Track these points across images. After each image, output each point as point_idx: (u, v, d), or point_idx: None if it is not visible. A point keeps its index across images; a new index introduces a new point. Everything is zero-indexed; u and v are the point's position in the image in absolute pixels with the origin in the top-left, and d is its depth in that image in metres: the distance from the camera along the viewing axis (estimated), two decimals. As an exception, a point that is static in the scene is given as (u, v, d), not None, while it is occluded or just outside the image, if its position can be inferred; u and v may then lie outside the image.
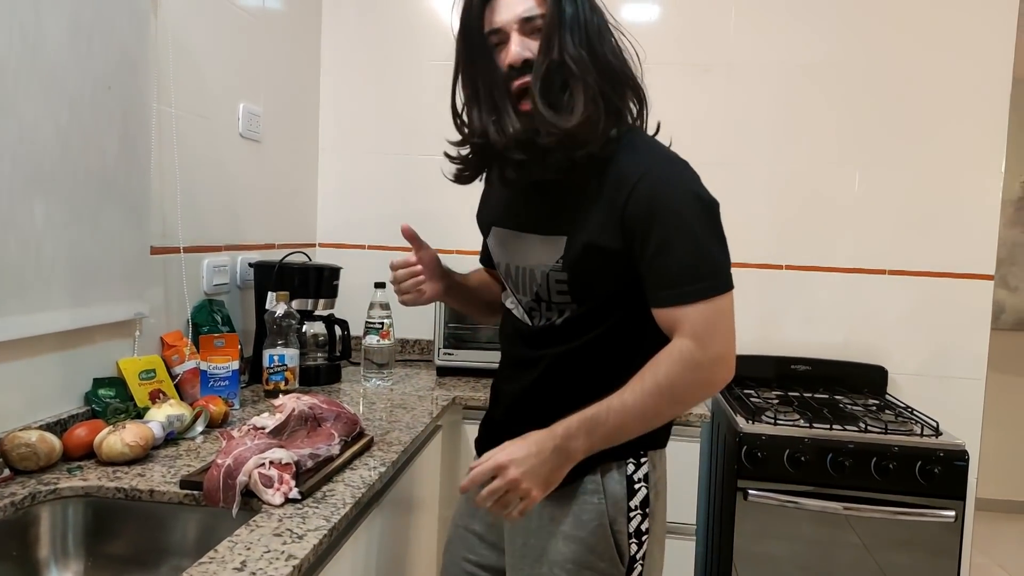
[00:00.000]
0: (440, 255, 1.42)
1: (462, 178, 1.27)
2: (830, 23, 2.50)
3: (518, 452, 1.08)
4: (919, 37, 2.46)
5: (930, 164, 2.48)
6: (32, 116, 1.33)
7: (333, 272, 2.16)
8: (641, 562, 1.22)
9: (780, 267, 2.57)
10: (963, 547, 2.04)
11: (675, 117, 2.52)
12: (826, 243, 2.55)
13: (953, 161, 2.47)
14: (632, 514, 1.21)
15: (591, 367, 1.20)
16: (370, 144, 2.69)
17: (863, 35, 2.48)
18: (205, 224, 1.98)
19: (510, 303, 1.32)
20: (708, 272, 1.11)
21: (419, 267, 1.34)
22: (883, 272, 2.52)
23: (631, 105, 1.20)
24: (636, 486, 1.22)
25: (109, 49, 1.52)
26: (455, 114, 1.23)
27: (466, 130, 1.21)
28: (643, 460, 1.23)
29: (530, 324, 1.26)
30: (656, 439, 1.24)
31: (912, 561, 2.04)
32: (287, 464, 1.24)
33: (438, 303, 2.28)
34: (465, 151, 1.23)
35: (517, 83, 1.13)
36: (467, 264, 1.56)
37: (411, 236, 1.33)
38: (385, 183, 2.69)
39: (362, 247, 2.72)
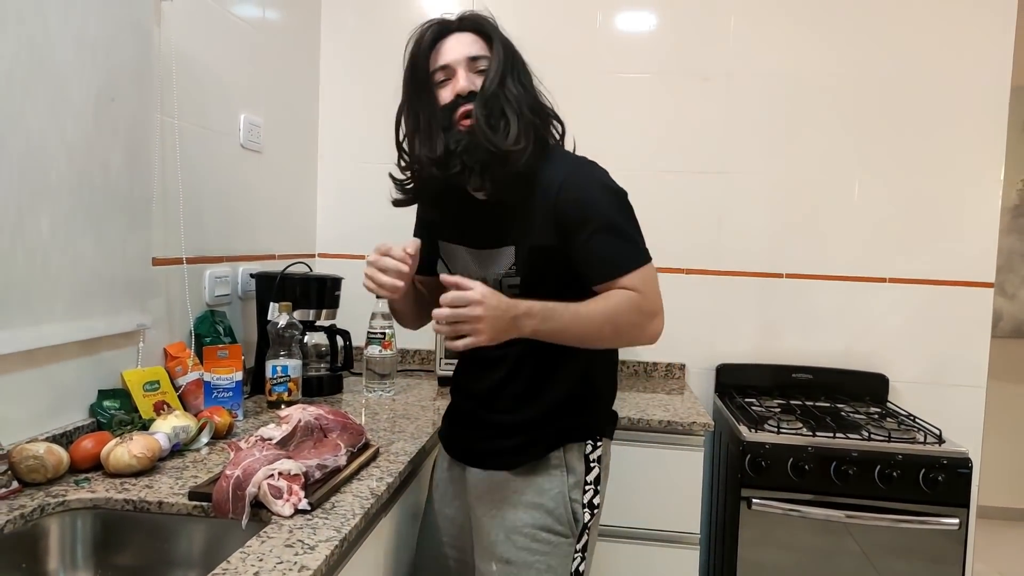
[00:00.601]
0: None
1: (400, 202, 1.49)
2: (829, 32, 2.52)
3: (493, 300, 1.21)
4: (917, 45, 2.48)
5: (929, 172, 2.50)
6: (38, 128, 1.33)
7: (335, 282, 2.16)
8: (589, 530, 1.42)
9: (780, 276, 2.58)
10: (966, 555, 2.04)
11: (674, 126, 2.59)
12: (826, 251, 2.56)
13: (952, 169, 2.49)
14: (587, 487, 1.42)
15: (551, 357, 1.37)
16: (369, 154, 2.69)
17: (862, 44, 2.50)
18: (207, 235, 1.97)
19: None
20: (630, 248, 1.32)
21: (406, 277, 1.38)
22: (883, 280, 2.54)
23: (554, 132, 1.41)
24: (591, 464, 1.43)
25: (113, 61, 1.52)
26: (399, 147, 1.43)
27: (407, 159, 1.41)
28: (598, 444, 1.44)
29: None
30: (606, 428, 1.48)
31: (915, 569, 2.04)
32: (296, 475, 1.23)
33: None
34: (407, 180, 1.42)
35: (463, 109, 1.31)
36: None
37: (416, 251, 1.38)
38: (384, 194, 2.59)
39: (361, 257, 2.69)
